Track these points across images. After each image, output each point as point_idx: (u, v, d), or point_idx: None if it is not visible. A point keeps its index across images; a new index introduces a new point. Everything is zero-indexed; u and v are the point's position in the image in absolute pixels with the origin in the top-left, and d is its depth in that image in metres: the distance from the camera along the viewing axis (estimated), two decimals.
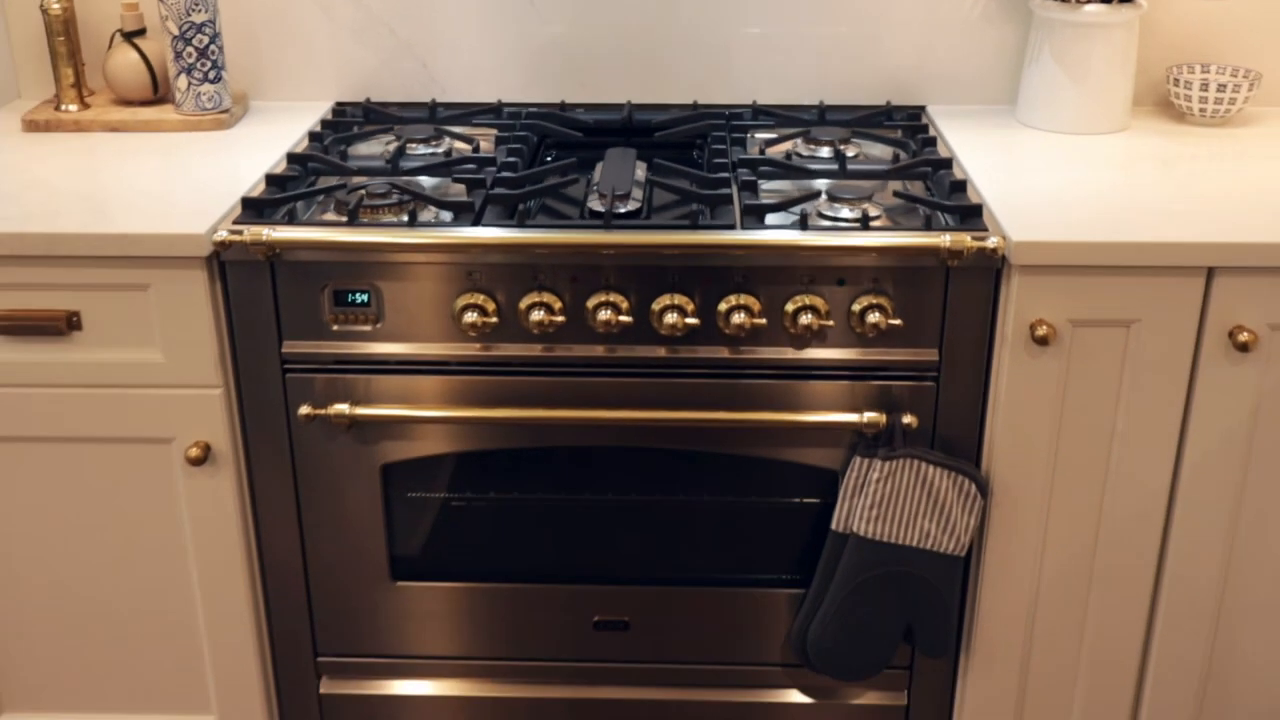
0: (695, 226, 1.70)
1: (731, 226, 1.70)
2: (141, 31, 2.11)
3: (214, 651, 1.93)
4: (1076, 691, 1.89)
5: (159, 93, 2.12)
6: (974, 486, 1.75)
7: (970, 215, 1.72)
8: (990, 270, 1.68)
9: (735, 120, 2.13)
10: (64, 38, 2.08)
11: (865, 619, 1.81)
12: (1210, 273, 1.65)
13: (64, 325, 1.73)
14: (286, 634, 1.94)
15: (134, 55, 2.09)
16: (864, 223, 1.71)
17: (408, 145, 1.99)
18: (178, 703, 1.97)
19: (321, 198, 1.82)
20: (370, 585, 1.90)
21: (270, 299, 1.73)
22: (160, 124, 2.07)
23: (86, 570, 1.89)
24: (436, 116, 2.15)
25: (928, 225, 1.70)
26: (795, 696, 1.96)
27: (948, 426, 1.76)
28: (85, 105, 2.10)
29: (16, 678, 1.96)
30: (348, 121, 2.12)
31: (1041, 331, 1.67)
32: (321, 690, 1.97)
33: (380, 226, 1.72)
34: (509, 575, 1.91)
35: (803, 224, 1.71)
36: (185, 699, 1.97)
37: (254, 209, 1.74)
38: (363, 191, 1.79)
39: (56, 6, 2.06)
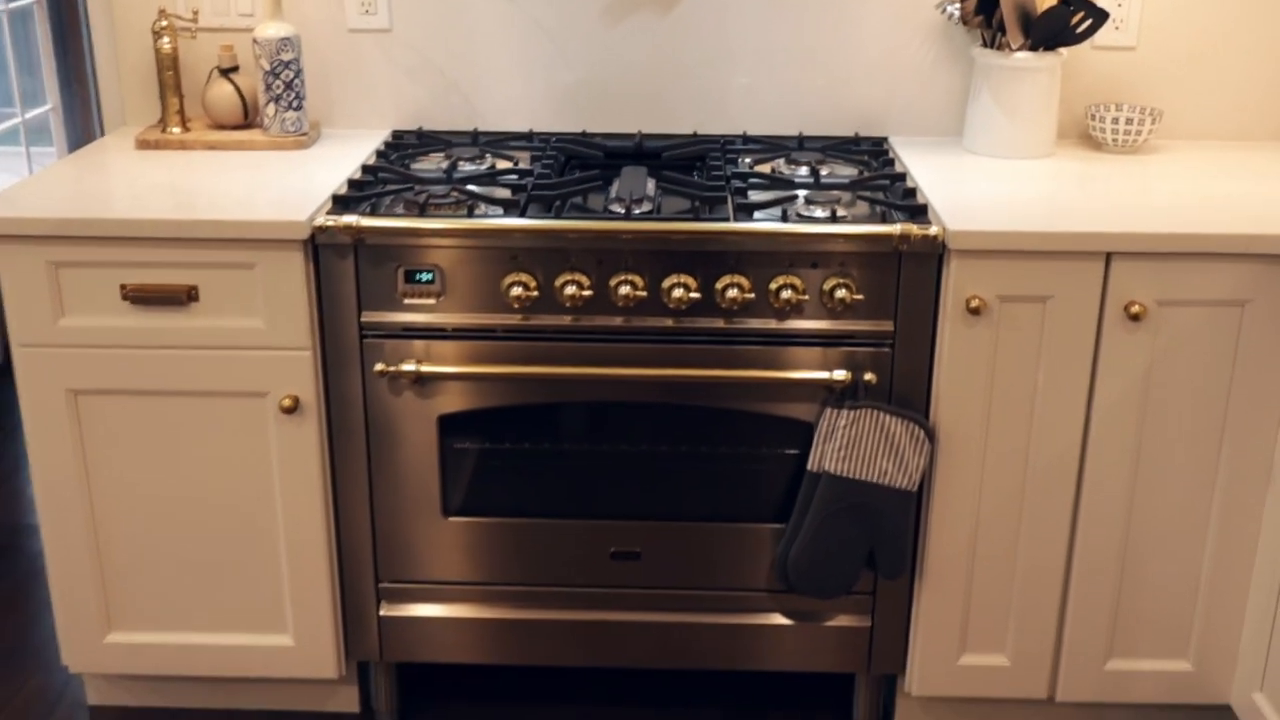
0: (698, 218, 2.12)
1: (727, 219, 2.12)
2: (235, 69, 2.53)
3: (292, 578, 2.30)
4: (1011, 606, 2.27)
5: (248, 119, 2.54)
6: (923, 432, 2.14)
7: (918, 212, 2.14)
8: (933, 255, 2.10)
9: (729, 147, 2.55)
10: (171, 72, 2.50)
11: (835, 544, 2.19)
12: (1109, 257, 2.07)
13: (184, 297, 2.13)
14: (353, 563, 2.31)
15: (229, 87, 2.51)
16: (833, 218, 2.13)
17: (458, 162, 2.41)
18: (259, 623, 2.33)
19: (390, 199, 2.23)
20: (425, 520, 2.28)
21: (353, 277, 2.13)
22: (250, 144, 2.49)
23: (189, 506, 2.26)
24: (478, 142, 2.57)
25: (883, 219, 2.12)
26: (779, 619, 2.33)
27: (901, 383, 2.16)
28: (187, 128, 2.52)
29: (125, 600, 2.33)
30: (405, 144, 2.54)
31: (975, 305, 2.08)
32: (381, 613, 2.34)
33: (444, 218, 2.13)
34: (540, 512, 2.29)
35: (784, 218, 2.13)
36: (265, 620, 2.33)
37: (342, 204, 2.15)
38: (427, 193, 2.21)
39: (167, 46, 2.48)
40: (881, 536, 2.20)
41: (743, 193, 2.24)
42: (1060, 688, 2.32)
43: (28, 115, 4.46)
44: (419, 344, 2.17)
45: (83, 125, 4.52)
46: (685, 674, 2.56)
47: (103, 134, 2.69)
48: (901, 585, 2.29)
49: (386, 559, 2.31)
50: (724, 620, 2.33)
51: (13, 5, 4.36)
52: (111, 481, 2.24)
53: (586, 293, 2.12)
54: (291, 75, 2.46)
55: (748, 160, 2.48)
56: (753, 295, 2.11)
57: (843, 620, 2.32)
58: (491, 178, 2.33)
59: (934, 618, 2.28)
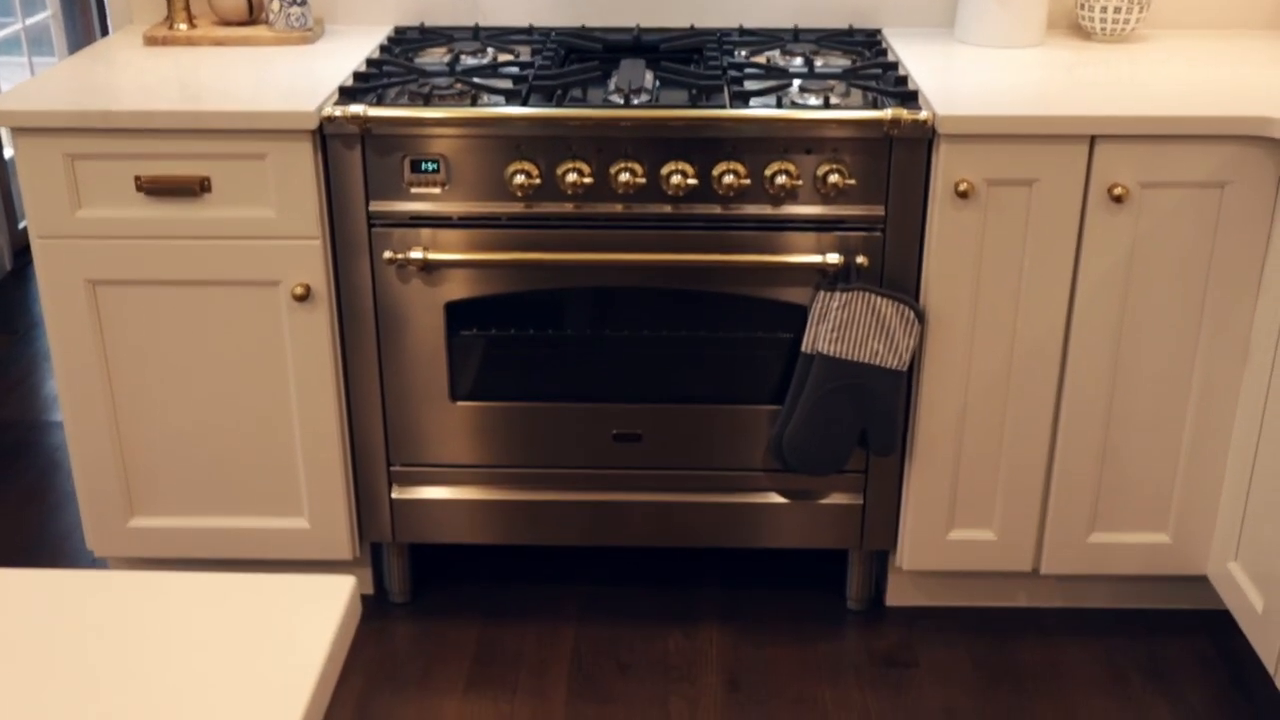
0: (695, 105, 2.17)
1: (723, 106, 2.18)
2: None
3: (306, 462, 2.39)
4: (998, 482, 2.36)
5: (253, 15, 2.58)
6: (913, 314, 2.22)
7: (908, 98, 2.20)
8: (923, 140, 2.16)
9: (725, 39, 2.60)
10: None
11: (828, 423, 2.28)
12: (1093, 140, 2.13)
13: (197, 188, 2.19)
14: (365, 447, 2.40)
15: None
16: (826, 104, 2.19)
17: (460, 56, 2.46)
18: (276, 506, 2.42)
19: (395, 90, 2.28)
20: (433, 404, 2.36)
21: (360, 166, 2.19)
22: (257, 39, 2.53)
23: (206, 393, 2.34)
24: (480, 37, 2.62)
25: (875, 106, 2.18)
26: (775, 498, 2.43)
27: (892, 266, 2.24)
28: (193, 25, 2.57)
29: (146, 486, 2.42)
30: (408, 39, 2.59)
31: (963, 188, 2.14)
32: (392, 495, 2.44)
33: (448, 108, 2.19)
34: (544, 396, 2.37)
35: (779, 105, 2.18)
36: (282, 503, 2.42)
37: (349, 95, 2.21)
38: (431, 85, 2.26)
39: None
40: (873, 415, 2.28)
41: (739, 82, 2.30)
42: (1044, 560, 2.42)
43: (28, 22, 4.48)
44: (425, 232, 2.23)
45: (83, 31, 4.54)
46: (685, 552, 2.67)
47: (105, 37, 2.73)
48: (892, 463, 2.38)
49: (397, 443, 2.40)
50: (722, 499, 2.43)
51: None
52: (131, 370, 2.32)
53: (587, 180, 2.18)
54: None
55: (744, 52, 2.53)
56: (749, 181, 2.18)
57: (836, 498, 2.42)
58: (493, 70, 2.38)
59: (924, 494, 2.38)
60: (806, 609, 2.56)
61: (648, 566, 2.66)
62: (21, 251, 4.19)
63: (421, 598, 2.60)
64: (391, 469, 2.42)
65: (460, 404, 2.37)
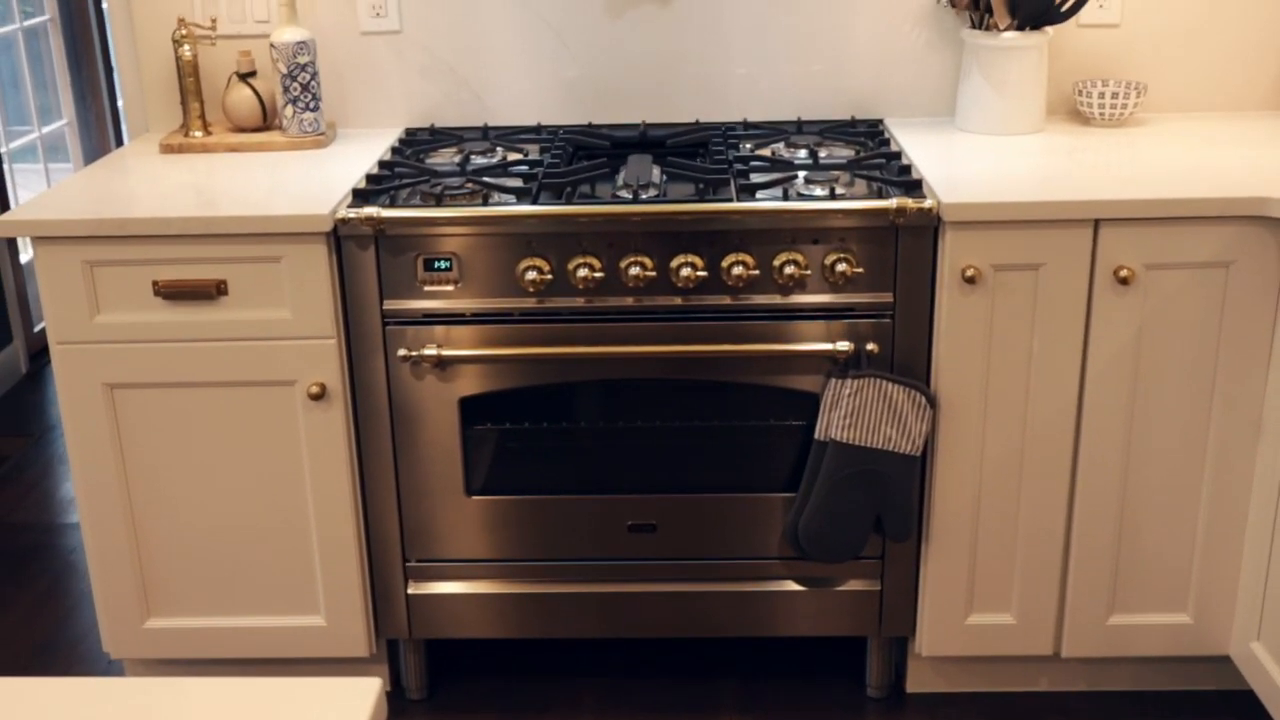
0: (703, 199, 2.21)
1: (730, 199, 2.21)
2: (253, 73, 2.63)
3: (323, 560, 2.39)
4: (1015, 565, 2.35)
5: (267, 121, 2.64)
6: (925, 399, 2.23)
7: (913, 187, 2.23)
8: (929, 228, 2.19)
9: (730, 133, 2.64)
10: (193, 79, 2.59)
11: (843, 509, 2.28)
12: (1097, 224, 2.16)
13: (214, 291, 2.22)
14: (381, 543, 2.40)
15: (248, 91, 2.61)
16: (832, 195, 2.22)
17: (470, 156, 2.51)
18: (292, 605, 2.42)
19: (408, 191, 2.32)
20: (449, 500, 2.37)
21: (374, 266, 2.23)
22: (270, 145, 2.58)
23: (222, 493, 2.35)
24: (489, 136, 2.67)
25: (880, 195, 2.22)
26: (791, 586, 2.42)
27: (902, 352, 2.25)
28: (208, 132, 2.62)
29: (162, 587, 2.42)
30: (419, 141, 2.64)
31: (970, 274, 2.17)
32: (409, 591, 2.43)
33: (460, 207, 2.22)
34: (559, 489, 2.38)
35: (785, 197, 2.22)
36: (298, 602, 2.42)
37: (362, 197, 2.25)
38: (442, 185, 2.30)
39: (188, 53, 2.58)
40: (888, 501, 2.28)
41: (745, 175, 2.33)
42: (1065, 644, 2.41)
43: (44, 130, 4.56)
44: (439, 329, 2.26)
45: (98, 139, 4.62)
46: (703, 643, 2.65)
47: (119, 146, 2.79)
48: (909, 548, 2.37)
49: (413, 538, 2.40)
50: (739, 588, 2.42)
51: (26, 24, 4.47)
52: (148, 471, 2.34)
53: (598, 275, 2.21)
54: (308, 78, 2.55)
55: (749, 145, 2.57)
56: (757, 272, 2.21)
57: (853, 584, 2.41)
58: (503, 169, 2.42)
59: (941, 579, 2.37)
60: (826, 697, 2.54)
61: (665, 657, 2.64)
62: (38, 354, 4.22)
63: (438, 694, 2.58)
64: (407, 565, 2.42)
65: (475, 498, 2.37)
